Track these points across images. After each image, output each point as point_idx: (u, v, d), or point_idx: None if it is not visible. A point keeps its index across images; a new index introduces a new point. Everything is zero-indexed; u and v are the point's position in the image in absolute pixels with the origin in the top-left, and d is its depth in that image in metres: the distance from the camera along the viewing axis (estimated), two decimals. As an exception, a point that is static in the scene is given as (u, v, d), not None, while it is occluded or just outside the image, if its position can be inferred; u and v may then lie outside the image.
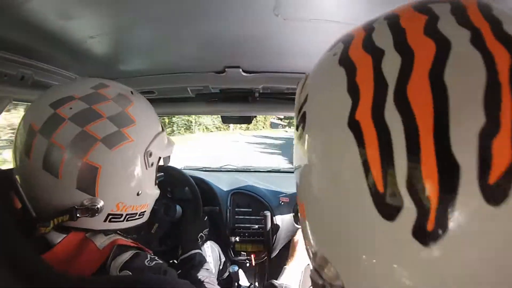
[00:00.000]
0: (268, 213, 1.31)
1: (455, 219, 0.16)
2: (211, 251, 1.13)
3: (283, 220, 1.36)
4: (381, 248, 0.20)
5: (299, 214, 0.30)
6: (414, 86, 0.18)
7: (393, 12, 0.24)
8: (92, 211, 0.51)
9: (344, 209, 0.21)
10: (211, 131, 17.81)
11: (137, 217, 0.61)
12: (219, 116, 1.21)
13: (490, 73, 0.16)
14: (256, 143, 12.64)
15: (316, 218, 0.26)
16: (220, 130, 18.31)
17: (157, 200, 1.11)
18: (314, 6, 0.53)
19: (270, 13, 0.54)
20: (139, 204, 0.59)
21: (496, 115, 0.16)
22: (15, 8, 0.53)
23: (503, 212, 0.15)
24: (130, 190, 0.56)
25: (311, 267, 0.27)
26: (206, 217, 1.12)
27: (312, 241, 0.26)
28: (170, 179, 1.39)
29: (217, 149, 9.96)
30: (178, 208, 1.22)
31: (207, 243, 1.14)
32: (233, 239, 1.33)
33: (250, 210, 1.39)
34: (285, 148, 10.39)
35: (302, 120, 0.26)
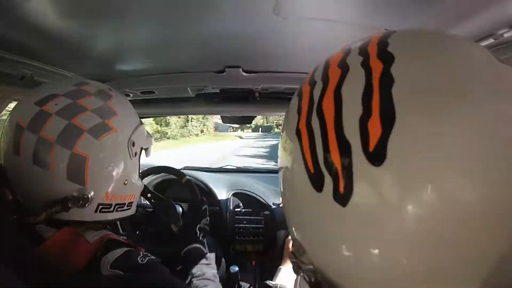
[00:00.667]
0: (269, 213, 1.31)
1: (355, 181, 0.23)
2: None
3: (283, 220, 1.36)
4: (318, 215, 0.27)
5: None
6: (325, 101, 0.27)
7: (328, 59, 0.32)
8: (83, 200, 0.53)
9: (296, 193, 0.30)
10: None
11: (125, 207, 0.63)
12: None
13: (367, 80, 0.24)
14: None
15: (287, 208, 0.34)
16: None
17: (157, 201, 1.11)
18: (314, 5, 0.53)
19: (270, 12, 0.54)
20: (126, 194, 0.62)
21: (369, 105, 0.23)
22: (15, 8, 0.53)
23: (384, 170, 0.22)
24: (118, 179, 0.59)
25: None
26: (205, 206, 1.08)
27: (289, 228, 0.33)
28: (170, 179, 1.40)
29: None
30: (178, 208, 1.22)
31: None
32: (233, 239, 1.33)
33: (250, 210, 1.39)
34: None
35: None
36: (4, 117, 0.59)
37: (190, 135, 18.80)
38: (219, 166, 1.94)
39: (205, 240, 0.93)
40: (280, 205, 1.39)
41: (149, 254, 0.56)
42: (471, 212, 0.21)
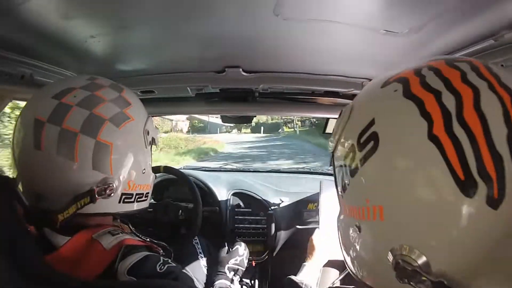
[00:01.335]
0: (271, 213, 1.31)
1: (507, 187, 0.27)
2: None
3: (283, 220, 1.36)
4: (464, 220, 0.29)
5: (369, 216, 0.36)
6: (468, 114, 0.30)
7: (431, 65, 0.35)
8: (109, 189, 0.54)
9: (433, 199, 0.30)
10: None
11: (143, 198, 0.65)
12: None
13: (501, 104, 0.29)
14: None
15: (400, 216, 0.33)
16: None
17: (157, 201, 1.11)
18: (314, 6, 0.53)
19: (270, 13, 0.54)
20: (144, 183, 0.64)
21: (510, 126, 0.28)
22: (15, 7, 0.53)
23: None
24: (138, 167, 0.61)
25: (391, 262, 0.33)
26: (236, 247, 1.02)
27: (390, 237, 0.34)
28: (170, 179, 1.40)
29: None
30: (178, 209, 1.22)
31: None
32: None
33: (250, 210, 1.39)
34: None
35: (371, 138, 0.35)
36: (4, 117, 0.60)
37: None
38: (219, 166, 1.94)
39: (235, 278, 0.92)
40: (281, 205, 1.39)
41: (169, 260, 0.55)
42: None
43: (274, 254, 1.37)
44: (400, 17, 0.55)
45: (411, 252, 0.31)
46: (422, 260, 0.31)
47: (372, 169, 0.35)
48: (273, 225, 1.34)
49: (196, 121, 23.39)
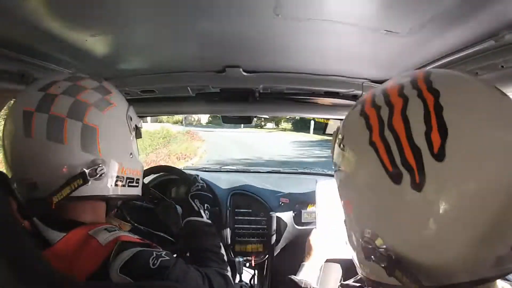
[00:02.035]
0: (274, 214, 1.31)
1: (427, 173, 0.33)
2: None
3: (283, 220, 1.36)
4: (395, 202, 0.36)
5: (346, 210, 0.45)
6: (395, 120, 0.37)
7: (385, 86, 0.43)
8: (100, 169, 0.57)
9: (374, 190, 0.38)
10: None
11: (134, 183, 0.67)
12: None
13: (425, 107, 0.35)
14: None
15: (358, 207, 0.41)
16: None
17: (157, 201, 1.10)
18: (314, 6, 0.53)
19: (270, 13, 0.54)
20: (133, 168, 0.66)
21: (430, 124, 0.34)
22: (16, 7, 0.53)
23: (445, 165, 0.33)
24: (124, 150, 0.64)
25: (360, 245, 0.40)
26: (194, 176, 1.04)
27: (358, 226, 0.41)
28: (170, 179, 1.40)
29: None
30: (179, 208, 1.21)
31: None
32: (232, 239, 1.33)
33: (250, 210, 1.39)
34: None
35: (342, 144, 0.44)
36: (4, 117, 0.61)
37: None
38: (219, 166, 1.94)
39: (202, 206, 0.89)
40: (280, 205, 1.39)
41: (163, 254, 0.56)
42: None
43: (274, 254, 1.37)
44: (400, 17, 0.55)
45: (369, 234, 0.39)
46: (378, 240, 0.38)
47: (342, 171, 0.44)
48: (273, 226, 1.34)
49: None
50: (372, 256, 0.38)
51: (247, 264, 1.37)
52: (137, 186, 0.68)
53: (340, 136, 0.45)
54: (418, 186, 0.34)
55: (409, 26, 0.56)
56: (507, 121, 0.35)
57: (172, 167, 1.26)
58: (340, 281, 0.95)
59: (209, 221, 0.87)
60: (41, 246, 0.51)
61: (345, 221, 0.46)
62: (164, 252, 0.56)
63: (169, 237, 0.77)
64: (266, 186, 1.51)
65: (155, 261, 0.53)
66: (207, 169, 1.84)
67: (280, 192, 1.46)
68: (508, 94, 0.37)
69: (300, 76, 0.92)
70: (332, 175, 1.75)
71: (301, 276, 0.83)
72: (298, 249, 1.29)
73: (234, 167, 1.96)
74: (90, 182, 0.56)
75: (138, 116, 0.70)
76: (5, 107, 0.83)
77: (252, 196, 1.41)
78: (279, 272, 1.37)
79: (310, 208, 1.37)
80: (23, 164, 0.56)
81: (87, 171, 0.55)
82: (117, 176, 0.62)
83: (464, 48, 0.62)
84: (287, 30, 0.63)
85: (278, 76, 0.92)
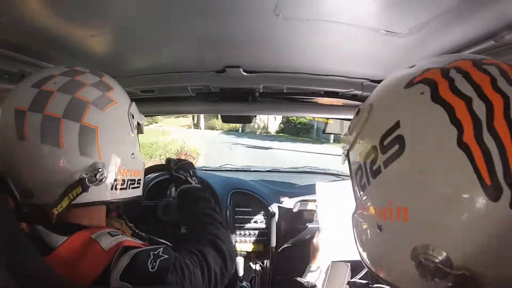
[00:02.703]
0: (272, 213, 1.31)
1: None
2: None
3: (284, 220, 1.37)
4: (488, 223, 0.31)
5: (392, 216, 0.37)
6: (498, 122, 0.31)
7: (459, 67, 0.35)
8: (100, 175, 0.53)
9: (459, 202, 0.32)
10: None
11: (136, 184, 0.64)
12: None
13: None
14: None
15: (424, 217, 0.34)
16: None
17: (157, 201, 1.10)
18: (315, 6, 0.53)
19: (270, 13, 0.54)
20: (135, 169, 0.63)
21: None
22: (15, 6, 0.53)
23: None
24: (126, 151, 0.60)
25: (413, 261, 0.35)
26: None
27: (414, 239, 0.35)
28: (169, 178, 1.40)
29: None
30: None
31: None
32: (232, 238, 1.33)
33: (250, 209, 1.39)
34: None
35: (396, 142, 0.35)
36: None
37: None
38: (219, 166, 1.95)
39: (187, 173, 0.85)
40: (281, 205, 1.39)
41: (160, 252, 0.53)
42: None
43: (275, 254, 1.38)
44: (400, 17, 0.55)
45: (433, 251, 0.33)
46: (443, 256, 0.32)
47: (396, 172, 0.36)
48: (273, 225, 1.34)
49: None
50: (433, 275, 0.33)
51: (247, 264, 1.37)
52: (139, 187, 0.65)
53: (386, 123, 0.37)
54: None
55: (409, 26, 0.56)
56: None
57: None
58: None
59: (200, 186, 0.84)
60: (41, 249, 0.48)
61: (379, 226, 0.39)
62: (161, 250, 0.54)
63: (171, 245, 0.76)
64: (266, 185, 1.51)
65: (154, 264, 0.51)
66: (206, 168, 1.84)
67: (280, 191, 1.46)
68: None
69: (300, 76, 0.92)
70: (332, 174, 1.77)
71: (307, 278, 0.84)
72: (298, 248, 1.30)
73: (233, 167, 1.96)
74: (89, 189, 0.52)
75: None
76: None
77: (252, 194, 1.41)
78: (280, 272, 1.37)
79: (310, 207, 1.37)
80: (16, 170, 0.51)
81: (86, 177, 0.51)
82: (118, 179, 0.58)
83: (464, 48, 0.62)
84: (287, 30, 0.63)
85: (278, 76, 0.92)
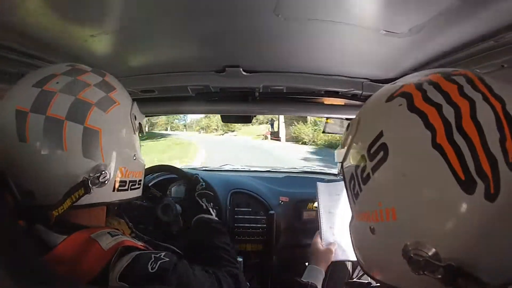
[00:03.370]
0: (273, 213, 1.31)
1: (502, 183, 0.32)
2: None
3: (283, 220, 1.37)
4: (467, 215, 0.34)
5: (382, 217, 0.40)
6: (466, 123, 0.34)
7: (430, 80, 0.40)
8: (103, 177, 0.52)
9: (439, 198, 0.35)
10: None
11: (136, 185, 0.64)
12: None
13: (494, 113, 0.34)
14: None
15: (410, 215, 0.37)
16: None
17: (157, 201, 1.10)
18: (315, 6, 0.53)
19: (270, 13, 0.54)
20: (136, 170, 0.63)
21: (503, 132, 0.33)
22: (15, 6, 0.53)
23: None
24: (128, 152, 0.60)
25: (404, 258, 0.37)
26: (195, 175, 1.03)
27: (403, 236, 0.38)
28: (170, 179, 1.39)
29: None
30: (178, 207, 1.22)
31: None
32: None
33: (250, 209, 1.39)
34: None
35: (381, 149, 0.39)
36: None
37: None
38: (219, 166, 1.94)
39: (209, 204, 0.89)
40: (280, 205, 1.39)
41: (162, 255, 0.53)
42: None
43: (275, 254, 1.37)
44: (400, 17, 0.55)
45: (422, 246, 0.36)
46: (432, 251, 0.35)
47: (383, 176, 0.39)
48: (273, 225, 1.34)
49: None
50: (423, 268, 0.35)
51: (247, 264, 1.37)
52: (139, 187, 0.65)
53: (371, 133, 0.41)
54: (492, 196, 0.32)
55: (409, 26, 0.57)
56: None
57: (172, 166, 1.26)
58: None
59: (219, 219, 0.86)
60: (40, 248, 0.48)
61: (372, 229, 0.42)
62: (163, 253, 0.54)
63: (173, 247, 0.76)
64: (266, 185, 1.51)
65: (154, 265, 0.50)
66: (206, 169, 1.84)
67: (280, 191, 1.46)
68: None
69: (300, 75, 0.92)
70: (332, 174, 1.77)
71: (307, 278, 0.84)
72: (298, 248, 1.30)
73: (234, 167, 1.96)
74: (92, 191, 0.52)
75: None
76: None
77: (252, 194, 1.41)
78: (280, 271, 1.37)
79: (310, 207, 1.37)
80: (17, 171, 0.50)
81: (89, 179, 0.51)
82: (120, 181, 0.58)
83: (464, 48, 0.62)
84: (287, 30, 0.63)
85: (278, 76, 0.92)
